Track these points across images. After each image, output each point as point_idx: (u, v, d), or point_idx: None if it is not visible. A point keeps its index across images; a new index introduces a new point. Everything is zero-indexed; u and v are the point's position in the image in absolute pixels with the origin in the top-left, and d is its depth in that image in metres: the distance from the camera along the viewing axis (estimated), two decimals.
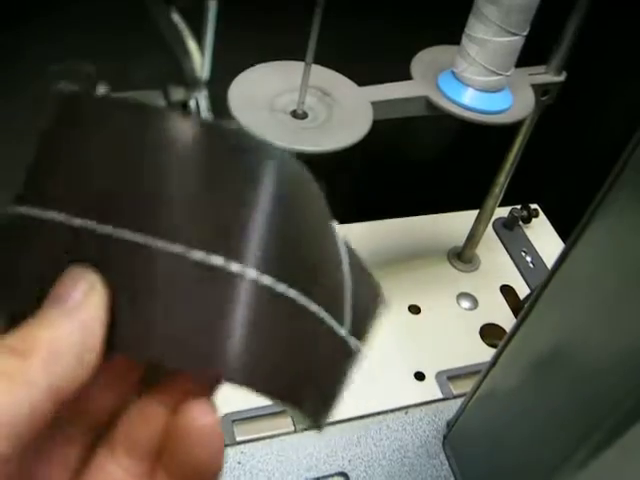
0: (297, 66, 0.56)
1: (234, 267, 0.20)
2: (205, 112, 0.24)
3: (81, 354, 0.20)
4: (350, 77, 0.61)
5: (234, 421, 0.67)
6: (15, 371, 0.19)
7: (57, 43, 0.60)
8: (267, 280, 0.20)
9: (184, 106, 0.24)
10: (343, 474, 0.65)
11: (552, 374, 0.53)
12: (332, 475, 0.65)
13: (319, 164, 0.58)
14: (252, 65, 0.59)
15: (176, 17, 0.21)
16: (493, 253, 0.89)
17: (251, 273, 0.20)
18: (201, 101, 0.23)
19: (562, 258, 0.49)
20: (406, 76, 0.63)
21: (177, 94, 0.24)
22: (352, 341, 0.24)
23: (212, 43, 0.22)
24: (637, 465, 0.49)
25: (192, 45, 0.21)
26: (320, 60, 0.59)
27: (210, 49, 0.22)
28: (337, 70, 0.62)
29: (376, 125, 0.59)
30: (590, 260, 0.48)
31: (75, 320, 0.20)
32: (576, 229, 0.48)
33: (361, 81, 0.61)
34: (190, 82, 0.23)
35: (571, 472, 0.51)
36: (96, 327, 0.20)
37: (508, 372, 0.58)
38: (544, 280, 0.53)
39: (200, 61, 0.22)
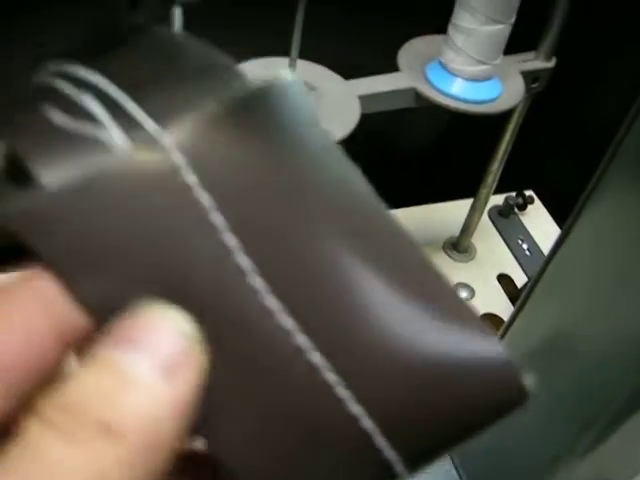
0: (283, 62, 0.55)
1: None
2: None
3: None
4: (337, 70, 0.61)
5: None
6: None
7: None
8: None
9: None
10: None
11: (550, 364, 0.52)
12: None
13: None
14: (238, 62, 0.59)
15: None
16: (489, 242, 0.89)
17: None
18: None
19: (557, 246, 0.49)
20: (393, 67, 0.63)
21: None
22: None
23: None
24: (638, 454, 0.49)
25: None
26: (307, 54, 0.59)
27: None
28: (324, 64, 0.61)
29: (367, 117, 0.59)
30: (585, 247, 0.48)
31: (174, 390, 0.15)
32: (570, 216, 0.48)
33: (348, 74, 0.61)
34: None
35: (573, 462, 0.51)
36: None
37: None
38: (539, 269, 0.52)
39: None
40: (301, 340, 0.17)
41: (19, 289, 0.16)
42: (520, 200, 0.92)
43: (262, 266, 0.17)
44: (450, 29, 0.60)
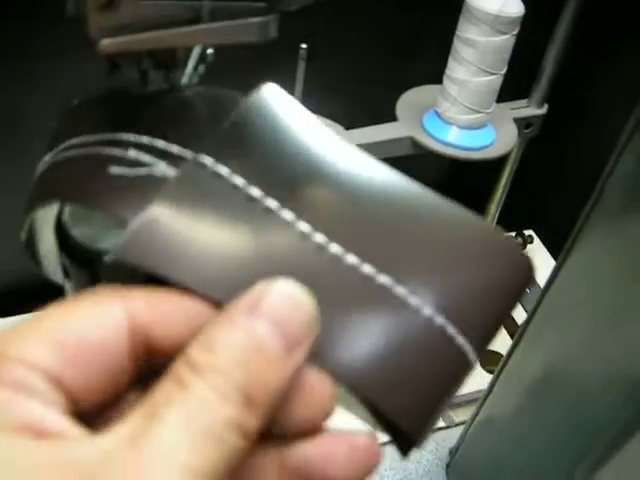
0: None
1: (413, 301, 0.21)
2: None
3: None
4: (337, 120, 0.64)
5: None
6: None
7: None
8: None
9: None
10: None
11: (546, 398, 0.53)
12: None
13: None
14: None
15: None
16: None
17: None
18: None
19: (549, 283, 0.51)
20: (392, 117, 0.66)
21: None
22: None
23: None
24: None
25: None
26: (308, 106, 0.61)
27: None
28: (325, 115, 0.64)
29: None
30: (576, 285, 0.49)
31: (295, 361, 0.18)
32: (560, 254, 0.49)
33: (348, 124, 0.64)
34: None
35: None
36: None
37: (504, 398, 0.59)
38: (534, 305, 0.54)
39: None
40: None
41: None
42: (520, 240, 0.94)
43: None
44: (445, 80, 0.64)
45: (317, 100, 0.61)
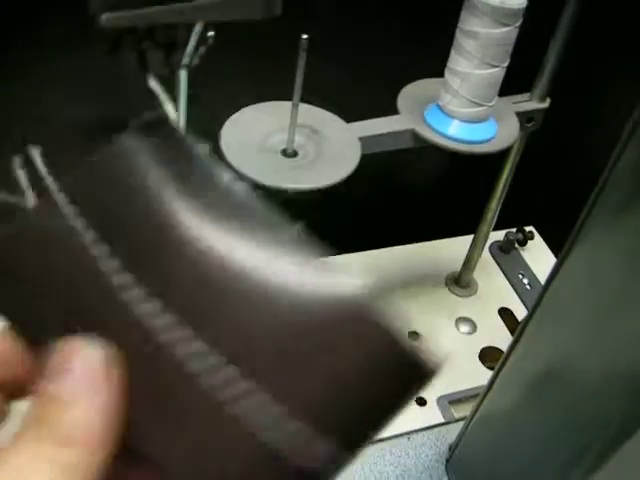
0: (286, 106, 0.58)
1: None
2: None
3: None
4: (338, 114, 0.64)
5: None
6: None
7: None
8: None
9: None
10: None
11: (545, 395, 0.53)
12: None
13: (316, 198, 0.60)
14: (243, 107, 0.61)
15: (153, 83, 0.23)
16: (490, 277, 0.91)
17: None
18: None
19: (550, 279, 0.50)
20: (393, 110, 0.66)
21: None
22: None
23: (185, 108, 0.23)
24: None
25: (169, 109, 0.23)
26: (309, 98, 0.61)
27: (184, 113, 0.24)
28: (326, 108, 0.64)
29: (371, 159, 0.61)
30: (577, 281, 0.49)
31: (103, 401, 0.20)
32: (562, 250, 0.49)
33: (349, 117, 0.63)
34: None
35: None
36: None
37: (504, 394, 0.59)
38: (534, 302, 0.54)
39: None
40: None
41: None
42: (520, 236, 0.94)
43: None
44: (447, 73, 0.63)
45: (318, 92, 0.61)
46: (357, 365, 0.20)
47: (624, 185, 0.43)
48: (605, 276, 0.46)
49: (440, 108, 0.65)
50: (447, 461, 0.70)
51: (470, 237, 0.85)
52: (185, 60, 0.23)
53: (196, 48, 0.23)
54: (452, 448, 0.69)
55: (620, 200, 0.44)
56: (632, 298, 0.43)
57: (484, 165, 0.71)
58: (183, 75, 0.22)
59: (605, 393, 0.46)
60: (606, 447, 0.46)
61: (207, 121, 0.58)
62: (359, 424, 0.20)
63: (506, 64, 0.62)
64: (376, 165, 0.65)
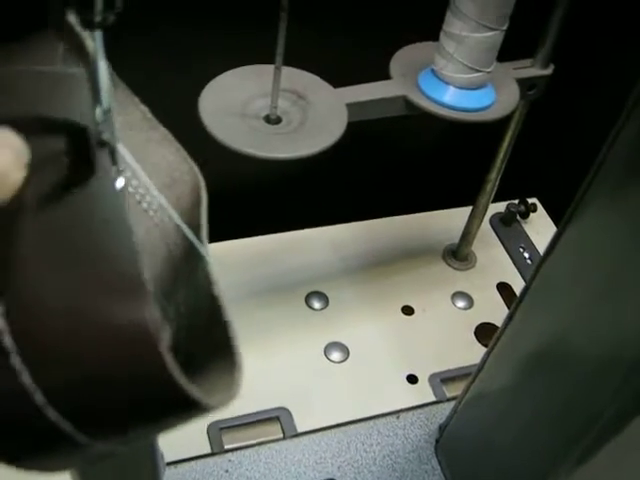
0: (270, 70, 0.55)
1: None
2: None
3: None
4: (327, 78, 0.60)
5: (222, 429, 0.66)
6: None
7: None
8: None
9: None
10: None
11: (538, 375, 0.52)
12: None
13: (310, 166, 0.57)
14: (224, 71, 0.58)
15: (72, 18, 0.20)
16: (490, 250, 0.88)
17: None
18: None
19: (546, 254, 0.49)
20: (386, 75, 0.62)
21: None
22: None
23: (105, 73, 0.21)
24: (626, 470, 0.48)
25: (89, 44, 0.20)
26: (296, 61, 0.58)
27: (105, 79, 0.21)
28: (313, 71, 0.61)
29: (366, 126, 0.58)
30: (571, 258, 0.47)
31: None
32: (559, 226, 0.47)
33: (338, 83, 0.60)
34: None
35: (562, 476, 0.50)
36: None
37: (497, 373, 0.57)
38: (529, 279, 0.51)
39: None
40: None
41: None
42: (522, 208, 0.90)
43: None
44: (441, 36, 0.59)
45: (305, 55, 0.58)
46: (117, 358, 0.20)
47: (624, 160, 0.42)
48: (603, 251, 0.44)
49: (435, 73, 0.61)
50: (437, 442, 0.67)
51: (469, 209, 0.82)
52: None
53: None
54: (442, 428, 0.67)
55: (620, 174, 0.42)
56: (629, 274, 0.41)
57: (484, 133, 0.67)
58: (99, 35, 0.19)
59: (597, 377, 0.45)
60: (600, 433, 0.45)
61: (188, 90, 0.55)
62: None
63: (505, 27, 0.58)
64: (372, 133, 0.62)
